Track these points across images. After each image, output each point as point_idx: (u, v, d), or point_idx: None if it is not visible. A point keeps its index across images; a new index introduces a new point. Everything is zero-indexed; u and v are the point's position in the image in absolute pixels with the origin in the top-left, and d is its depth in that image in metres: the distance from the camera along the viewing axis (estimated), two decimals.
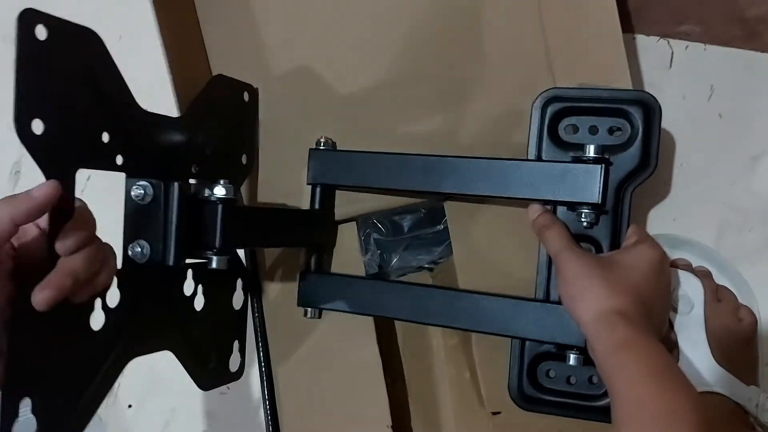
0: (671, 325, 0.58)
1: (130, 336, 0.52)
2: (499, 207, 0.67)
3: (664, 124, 0.60)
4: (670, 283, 0.56)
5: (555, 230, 0.58)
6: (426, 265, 0.74)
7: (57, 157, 0.44)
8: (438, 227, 0.72)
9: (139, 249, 0.51)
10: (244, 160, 0.69)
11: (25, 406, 0.44)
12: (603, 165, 0.58)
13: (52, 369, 0.46)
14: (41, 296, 0.42)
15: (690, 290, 0.59)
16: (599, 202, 0.58)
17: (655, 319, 0.53)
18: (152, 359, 0.79)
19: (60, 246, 0.43)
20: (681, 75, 0.70)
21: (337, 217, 0.70)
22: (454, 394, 0.71)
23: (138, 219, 0.52)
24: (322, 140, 0.68)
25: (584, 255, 0.55)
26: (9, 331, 0.42)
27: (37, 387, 0.44)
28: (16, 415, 0.44)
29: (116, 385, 0.79)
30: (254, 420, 0.74)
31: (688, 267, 0.61)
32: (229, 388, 0.78)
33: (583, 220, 0.59)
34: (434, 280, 0.74)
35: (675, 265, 0.61)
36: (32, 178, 0.43)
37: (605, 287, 0.51)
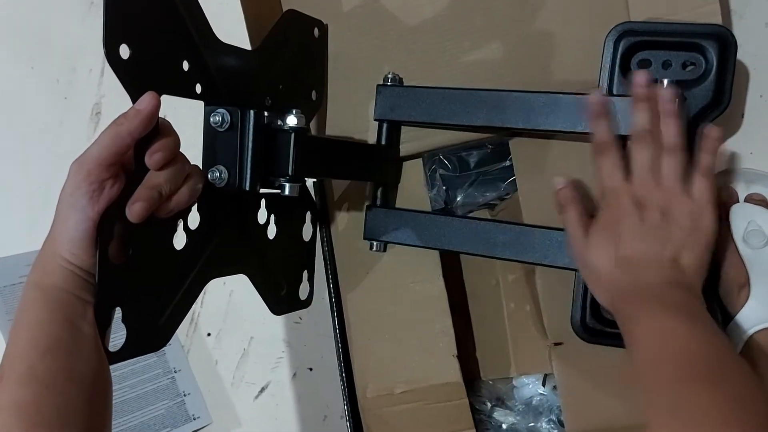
0: (742, 261, 0.57)
1: (209, 257, 0.55)
2: (565, 143, 0.66)
3: (744, 53, 0.58)
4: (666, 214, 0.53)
5: (568, 215, 0.58)
6: (491, 201, 0.75)
7: (142, 81, 0.46)
8: (504, 163, 0.72)
9: (218, 174, 0.54)
10: (313, 95, 0.70)
11: (116, 315, 0.48)
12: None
13: (139, 283, 0.49)
14: (134, 208, 0.45)
15: (763, 224, 0.57)
16: None
17: (684, 267, 0.52)
18: (230, 290, 0.84)
19: (149, 161, 0.46)
20: (764, 1, 0.66)
21: (403, 153, 0.71)
22: (513, 327, 0.72)
23: (216, 145, 0.54)
24: (390, 76, 0.69)
25: (587, 251, 0.55)
26: (101, 242, 0.45)
27: (126, 298, 0.48)
28: (108, 323, 0.48)
29: (196, 314, 0.85)
30: (326, 348, 0.77)
31: (762, 202, 0.60)
32: (301, 318, 0.82)
33: None
34: (496, 218, 0.75)
35: (749, 199, 0.60)
36: (112, 119, 0.46)
37: (612, 277, 0.53)
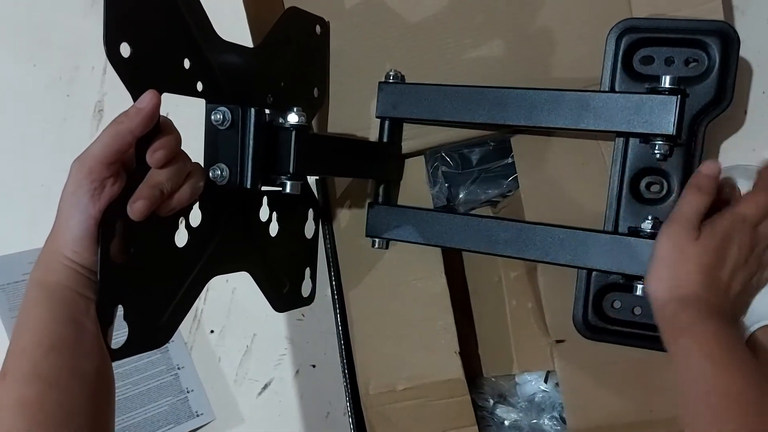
0: None
1: (211, 255, 0.55)
2: (566, 140, 0.66)
3: (746, 50, 0.57)
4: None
5: (699, 200, 0.55)
6: (494, 199, 0.75)
7: (143, 79, 0.47)
8: (506, 160, 0.72)
9: (219, 172, 0.54)
10: (315, 93, 0.70)
11: (118, 312, 0.48)
12: (679, 96, 0.57)
13: (141, 281, 0.49)
14: (136, 206, 0.45)
15: None
16: (674, 133, 0.57)
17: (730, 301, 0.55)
18: (232, 288, 0.84)
19: (150, 159, 0.46)
20: None
21: (405, 151, 0.71)
22: (515, 324, 0.72)
23: (217, 143, 0.54)
24: (392, 73, 0.69)
25: (691, 241, 0.54)
26: (102, 240, 0.45)
27: (128, 296, 0.48)
28: (111, 321, 0.48)
29: (199, 311, 0.85)
30: (329, 345, 0.78)
31: None
32: (304, 315, 0.82)
33: (656, 152, 0.58)
34: (498, 215, 0.75)
35: None
36: (114, 116, 0.46)
37: (693, 278, 0.53)
